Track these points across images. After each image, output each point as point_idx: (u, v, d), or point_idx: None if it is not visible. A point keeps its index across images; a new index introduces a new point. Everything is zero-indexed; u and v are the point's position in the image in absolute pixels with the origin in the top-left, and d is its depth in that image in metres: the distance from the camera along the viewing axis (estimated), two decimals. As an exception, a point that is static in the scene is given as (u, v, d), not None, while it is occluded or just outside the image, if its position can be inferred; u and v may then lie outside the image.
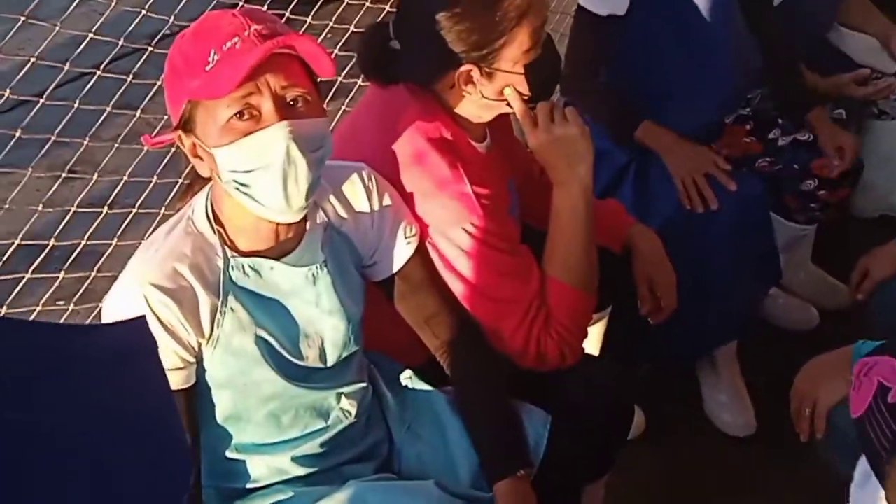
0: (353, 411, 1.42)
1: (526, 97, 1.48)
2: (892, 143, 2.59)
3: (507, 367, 1.50)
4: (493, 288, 1.48)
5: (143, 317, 0.70)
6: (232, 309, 1.28)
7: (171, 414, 0.67)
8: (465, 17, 1.42)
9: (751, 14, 2.13)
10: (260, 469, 1.39)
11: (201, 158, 1.26)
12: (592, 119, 2.06)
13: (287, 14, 2.55)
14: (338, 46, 2.59)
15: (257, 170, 1.21)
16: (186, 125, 1.25)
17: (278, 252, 1.32)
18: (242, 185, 1.23)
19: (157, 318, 1.23)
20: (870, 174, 2.43)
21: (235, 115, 1.20)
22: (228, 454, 1.38)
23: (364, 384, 1.45)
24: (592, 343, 2.01)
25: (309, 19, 2.62)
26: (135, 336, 0.66)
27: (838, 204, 2.25)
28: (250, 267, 1.30)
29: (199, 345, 1.27)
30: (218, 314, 1.27)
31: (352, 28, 2.66)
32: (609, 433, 1.57)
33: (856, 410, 0.85)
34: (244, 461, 1.39)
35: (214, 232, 1.29)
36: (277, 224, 1.29)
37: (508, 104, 1.49)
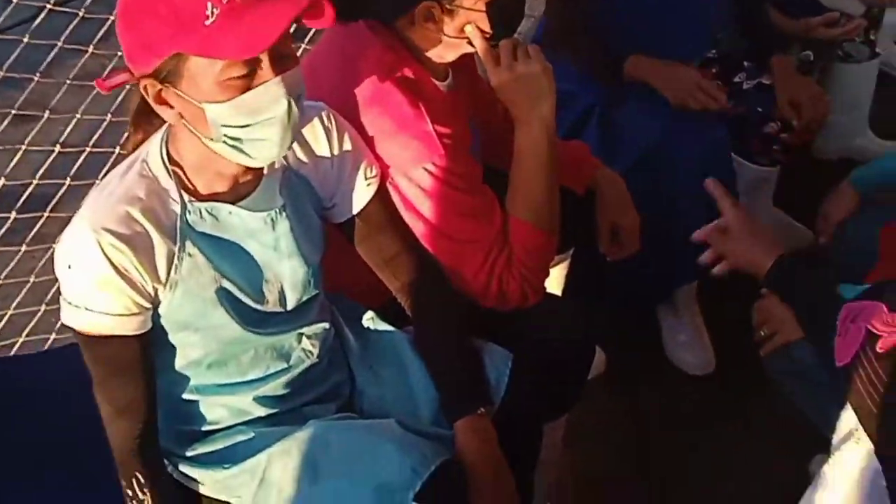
0: (315, 352, 1.43)
1: (488, 35, 1.46)
2: (856, 87, 2.64)
3: (468, 306, 1.50)
4: (455, 228, 1.48)
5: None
6: (189, 254, 1.27)
7: None
8: None
9: None
10: (220, 411, 1.40)
11: (170, 106, 1.21)
12: (579, 68, 2.08)
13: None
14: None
15: (256, 125, 1.19)
16: (165, 76, 1.18)
17: (235, 196, 1.31)
18: (234, 139, 1.20)
19: (111, 262, 1.20)
20: (833, 117, 2.46)
21: (239, 76, 1.16)
22: (188, 397, 1.38)
23: (326, 325, 1.45)
24: (555, 284, 2.03)
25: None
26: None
27: (800, 146, 2.30)
28: (207, 211, 1.29)
29: (156, 290, 1.26)
30: (175, 259, 1.26)
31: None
32: (570, 371, 1.59)
33: (841, 359, 0.85)
34: (204, 403, 1.39)
35: (170, 175, 1.27)
36: (238, 167, 1.28)
37: (470, 43, 1.47)
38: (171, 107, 1.21)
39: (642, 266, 1.84)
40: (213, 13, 1.12)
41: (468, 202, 1.49)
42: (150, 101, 1.21)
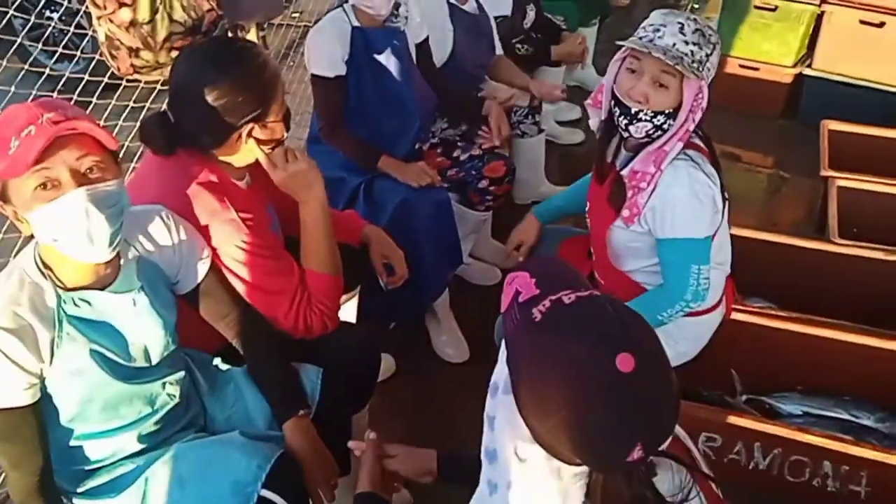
0: (177, 394, 1.39)
1: (274, 142, 1.47)
2: (532, 152, 2.78)
3: (284, 339, 1.50)
4: (266, 284, 1.48)
5: None
6: (68, 334, 1.21)
7: None
8: (240, 90, 1.39)
9: (426, 73, 2.26)
10: (104, 449, 1.32)
11: (21, 221, 1.18)
12: (346, 156, 2.12)
13: (94, 100, 2.40)
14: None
15: (63, 228, 1.15)
16: (4, 197, 1.16)
17: (102, 283, 1.26)
18: (55, 240, 1.17)
19: (4, 354, 1.16)
20: (521, 173, 2.63)
21: (39, 186, 1.13)
22: (75, 443, 1.30)
23: (182, 372, 1.41)
24: (350, 314, 2.05)
25: (113, 101, 2.48)
26: None
27: (504, 195, 2.39)
28: (80, 299, 1.23)
29: (41, 368, 1.20)
30: (55, 340, 1.20)
31: (147, 105, 2.54)
32: (363, 375, 1.61)
33: (502, 307, 0.89)
34: (90, 446, 1.31)
35: (46, 277, 1.21)
36: (96, 264, 1.23)
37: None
38: (22, 222, 1.18)
39: (405, 292, 1.89)
40: (14, 145, 1.12)
41: (272, 265, 1.49)
42: (11, 218, 1.18)
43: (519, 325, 0.86)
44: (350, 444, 1.38)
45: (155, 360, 1.33)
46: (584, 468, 0.84)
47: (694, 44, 1.50)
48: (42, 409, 1.22)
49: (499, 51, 2.59)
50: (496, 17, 2.61)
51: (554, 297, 0.84)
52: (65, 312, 1.21)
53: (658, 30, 1.51)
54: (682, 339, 1.69)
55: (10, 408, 1.18)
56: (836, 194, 2.41)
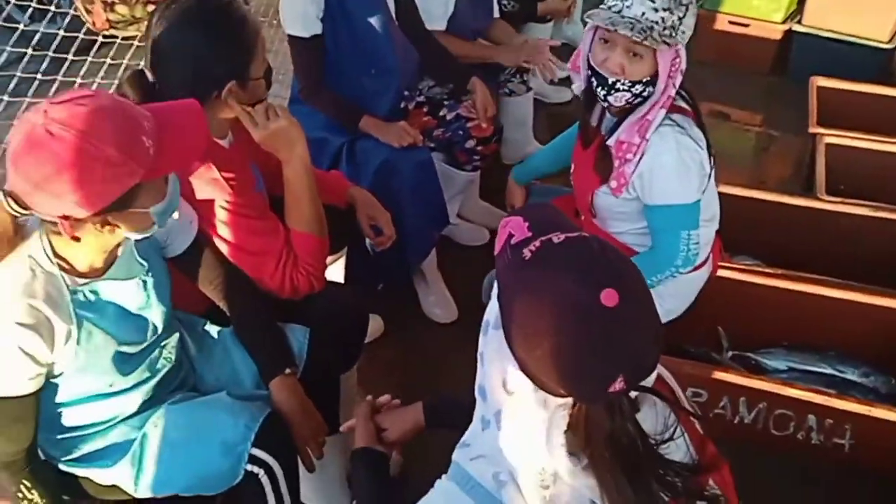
0: (173, 357, 1.38)
1: (254, 102, 1.44)
2: (520, 112, 2.75)
3: (271, 300, 1.49)
4: (251, 245, 1.47)
5: None
6: (83, 324, 1.18)
7: None
8: (220, 44, 1.36)
9: (408, 31, 2.19)
10: (103, 412, 1.30)
11: (112, 227, 1.14)
12: (327, 116, 2.08)
13: (70, 57, 2.33)
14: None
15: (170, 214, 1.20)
16: (127, 203, 1.11)
17: (104, 270, 1.22)
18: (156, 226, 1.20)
19: (21, 349, 1.12)
20: (508, 133, 2.61)
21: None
22: (72, 408, 1.27)
23: (177, 335, 1.40)
24: (338, 275, 2.05)
25: (90, 57, 2.41)
26: None
27: (492, 155, 2.37)
28: (90, 290, 1.20)
29: (54, 359, 1.17)
30: (71, 331, 1.17)
31: (125, 62, 2.47)
32: (351, 335, 1.61)
33: (496, 251, 0.93)
34: (89, 409, 1.29)
35: (57, 268, 1.16)
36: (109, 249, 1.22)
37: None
38: (117, 226, 1.14)
39: (392, 253, 1.88)
40: (148, 144, 1.10)
41: (257, 225, 1.48)
42: (67, 231, 1.10)
43: (510, 263, 0.88)
44: (342, 428, 1.37)
45: (160, 331, 1.32)
46: (569, 399, 0.86)
47: (664, 9, 1.45)
48: (41, 391, 1.20)
49: (496, 14, 2.54)
50: None
51: (544, 238, 0.87)
52: (80, 302, 1.18)
53: (626, 1, 1.46)
54: (668, 297, 1.70)
55: (12, 396, 1.16)
56: (823, 151, 2.40)
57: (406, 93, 2.25)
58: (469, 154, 2.30)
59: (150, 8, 2.13)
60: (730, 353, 1.97)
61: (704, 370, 1.77)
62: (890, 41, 3.14)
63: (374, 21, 2.05)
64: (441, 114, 2.30)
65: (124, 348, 1.26)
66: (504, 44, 2.51)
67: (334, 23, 2.02)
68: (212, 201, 1.43)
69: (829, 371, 1.89)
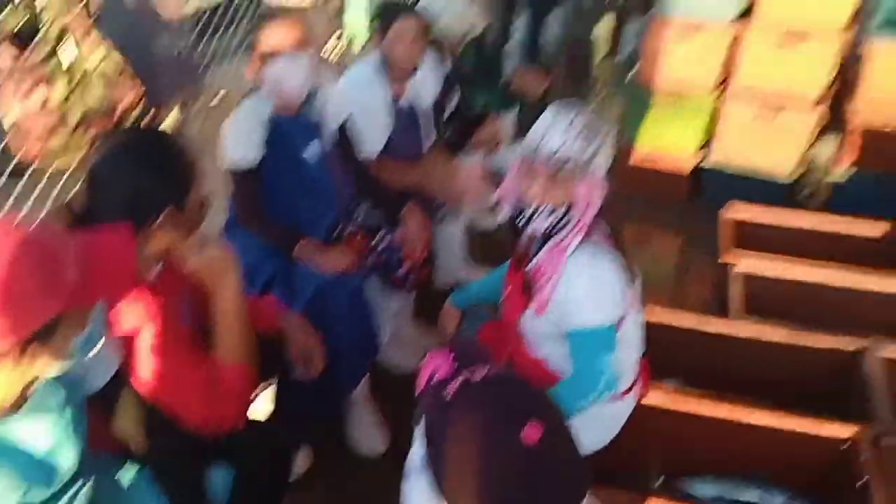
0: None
1: (185, 231, 1.45)
2: (452, 238, 2.84)
3: (191, 440, 1.43)
4: (174, 378, 1.41)
5: None
6: None
7: None
8: (160, 170, 1.38)
9: (346, 158, 2.27)
10: None
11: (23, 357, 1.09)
12: (266, 242, 2.08)
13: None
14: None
15: None
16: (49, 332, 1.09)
17: (16, 408, 1.14)
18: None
19: None
20: (441, 258, 2.69)
21: None
22: None
23: (91, 483, 1.27)
24: (267, 403, 1.99)
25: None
26: None
27: (425, 279, 2.42)
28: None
29: None
30: None
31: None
32: (274, 473, 1.56)
33: (417, 390, 0.95)
34: None
35: None
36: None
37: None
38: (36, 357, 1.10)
39: (324, 381, 1.85)
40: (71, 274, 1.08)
41: (182, 357, 1.43)
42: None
43: (433, 403, 0.90)
44: None
45: (72, 476, 1.21)
46: None
47: (583, 140, 1.56)
48: None
49: (431, 142, 2.63)
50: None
51: (464, 377, 0.90)
52: None
53: (544, 135, 1.58)
54: (592, 429, 1.71)
55: None
56: (737, 279, 2.54)
57: (343, 218, 2.29)
58: (403, 279, 2.34)
59: (90, 134, 2.14)
60: (661, 479, 1.98)
61: (635, 500, 1.77)
62: (790, 176, 3.43)
63: (311, 147, 2.12)
64: (374, 241, 2.34)
65: (29, 497, 1.16)
66: (437, 172, 2.60)
67: (275, 153, 2.08)
68: (136, 332, 1.39)
69: (755, 500, 1.92)
